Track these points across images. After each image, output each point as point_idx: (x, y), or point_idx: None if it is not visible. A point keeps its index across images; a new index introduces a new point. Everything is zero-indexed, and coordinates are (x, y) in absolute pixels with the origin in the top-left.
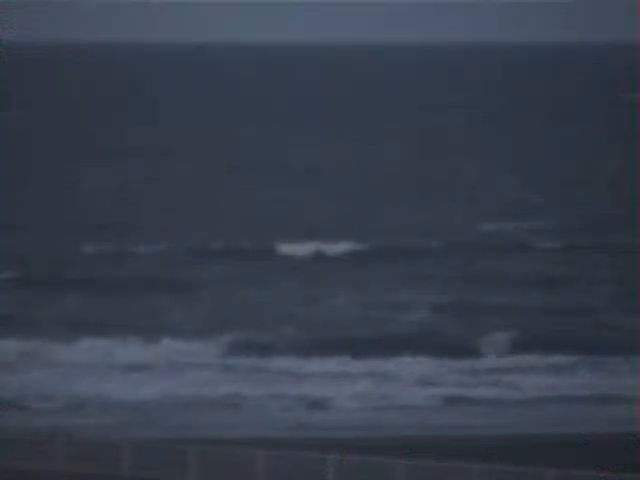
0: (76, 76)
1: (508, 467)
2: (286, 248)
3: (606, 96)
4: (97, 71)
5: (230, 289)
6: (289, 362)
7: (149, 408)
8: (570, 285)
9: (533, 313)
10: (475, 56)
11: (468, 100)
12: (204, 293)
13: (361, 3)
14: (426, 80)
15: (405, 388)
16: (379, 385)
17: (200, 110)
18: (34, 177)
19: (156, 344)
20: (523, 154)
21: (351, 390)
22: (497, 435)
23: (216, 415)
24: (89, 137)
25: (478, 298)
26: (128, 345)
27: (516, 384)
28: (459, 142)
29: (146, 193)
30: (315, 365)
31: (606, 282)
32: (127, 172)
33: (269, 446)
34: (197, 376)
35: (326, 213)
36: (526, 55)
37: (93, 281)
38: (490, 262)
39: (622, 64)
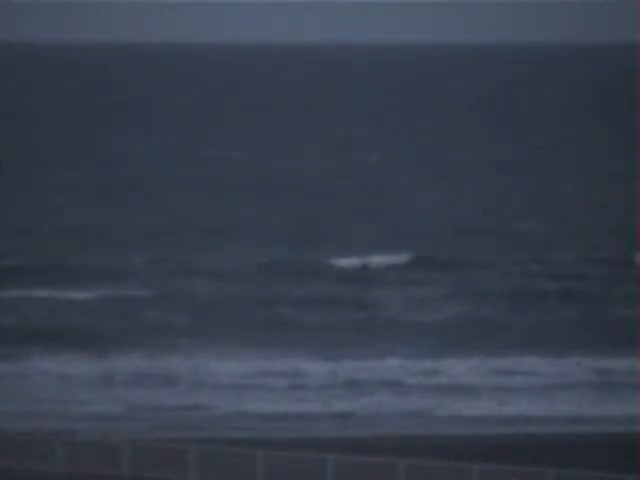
0: (75, 76)
1: (508, 467)
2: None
3: (606, 96)
4: (96, 71)
5: None
6: None
7: None
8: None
9: None
10: (475, 56)
11: (467, 101)
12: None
13: (362, 3)
14: (426, 81)
15: None
16: None
17: (198, 111)
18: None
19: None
20: (522, 154)
21: None
22: (497, 435)
23: None
24: (84, 139)
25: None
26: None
27: None
28: (459, 143)
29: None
30: None
31: None
32: (126, 172)
33: (269, 446)
34: None
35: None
36: (526, 55)
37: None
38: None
39: (622, 64)
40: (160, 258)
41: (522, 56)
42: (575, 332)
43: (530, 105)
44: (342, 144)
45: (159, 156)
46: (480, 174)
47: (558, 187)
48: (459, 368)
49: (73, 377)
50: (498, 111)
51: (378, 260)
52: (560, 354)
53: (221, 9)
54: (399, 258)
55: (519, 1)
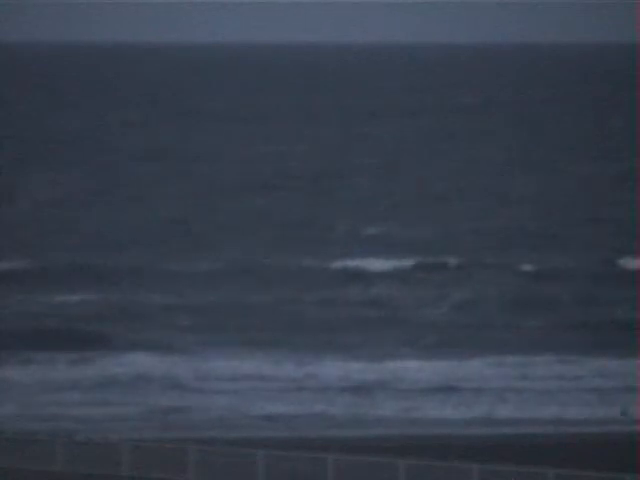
0: (75, 76)
1: (508, 467)
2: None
3: (605, 96)
4: (96, 71)
5: None
6: None
7: None
8: None
9: None
10: (475, 57)
11: (467, 102)
12: None
13: (363, 3)
14: (426, 81)
15: None
16: None
17: (197, 111)
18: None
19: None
20: (522, 154)
21: None
22: (497, 435)
23: None
24: (83, 138)
25: None
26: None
27: None
28: (458, 143)
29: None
30: None
31: None
32: (124, 174)
33: (269, 446)
34: None
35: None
36: (526, 55)
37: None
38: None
39: (622, 64)
40: (160, 259)
41: (522, 56)
42: (576, 333)
43: (530, 105)
44: (341, 144)
45: (155, 156)
46: (480, 174)
47: (558, 187)
48: (460, 369)
49: (74, 379)
50: (497, 111)
51: (379, 263)
52: (560, 355)
53: (221, 9)
54: (400, 261)
55: (519, 1)
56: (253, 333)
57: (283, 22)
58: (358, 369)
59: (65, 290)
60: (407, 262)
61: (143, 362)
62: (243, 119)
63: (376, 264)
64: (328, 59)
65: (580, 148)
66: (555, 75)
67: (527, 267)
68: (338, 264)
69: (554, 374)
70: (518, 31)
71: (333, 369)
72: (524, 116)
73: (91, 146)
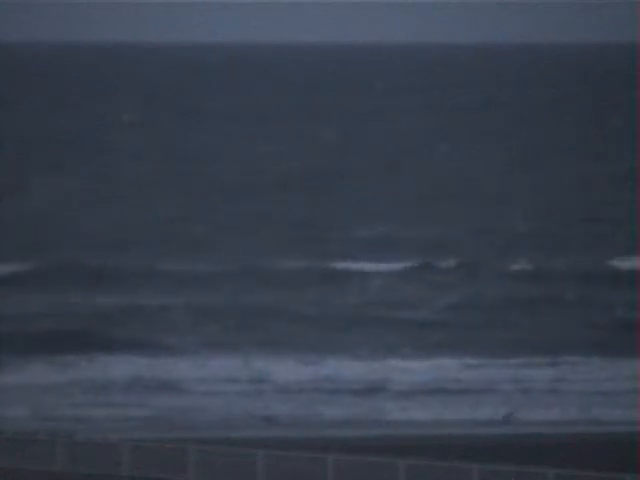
0: (75, 76)
1: (508, 467)
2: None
3: (605, 96)
4: (96, 71)
5: None
6: None
7: None
8: None
9: None
10: (475, 57)
11: (468, 102)
12: None
13: (363, 3)
14: (426, 81)
15: None
16: None
17: (197, 111)
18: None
19: None
20: (521, 155)
21: None
22: (497, 435)
23: None
24: (85, 137)
25: None
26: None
27: None
28: (457, 143)
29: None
30: None
31: None
32: (124, 174)
33: (269, 446)
34: None
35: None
36: (526, 55)
37: None
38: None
39: (622, 64)
40: (160, 259)
41: (522, 56)
42: (576, 333)
43: (530, 105)
44: (341, 144)
45: (155, 156)
46: (480, 174)
47: (558, 187)
48: (459, 369)
49: (73, 379)
50: (497, 111)
51: (379, 263)
52: (560, 355)
53: (221, 9)
54: (400, 261)
55: (519, 1)
56: (253, 333)
57: (283, 22)
58: (358, 369)
59: (65, 290)
60: (407, 262)
61: (143, 362)
62: (243, 119)
63: (376, 264)
64: (328, 59)
65: (580, 148)
66: (555, 75)
67: (527, 267)
68: (338, 264)
69: (554, 374)
70: (518, 31)
71: (333, 369)
72: (524, 116)
73: (91, 146)
